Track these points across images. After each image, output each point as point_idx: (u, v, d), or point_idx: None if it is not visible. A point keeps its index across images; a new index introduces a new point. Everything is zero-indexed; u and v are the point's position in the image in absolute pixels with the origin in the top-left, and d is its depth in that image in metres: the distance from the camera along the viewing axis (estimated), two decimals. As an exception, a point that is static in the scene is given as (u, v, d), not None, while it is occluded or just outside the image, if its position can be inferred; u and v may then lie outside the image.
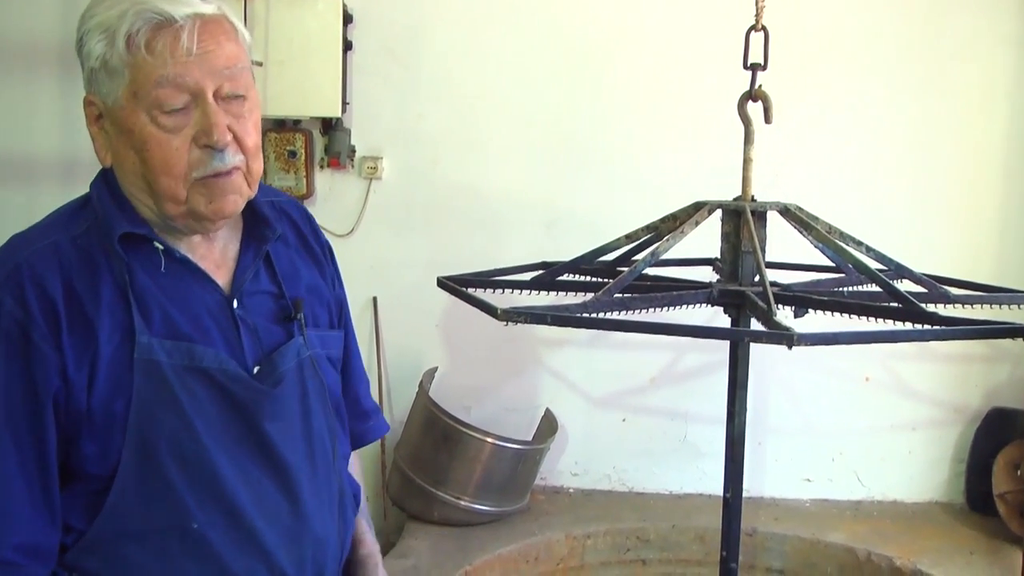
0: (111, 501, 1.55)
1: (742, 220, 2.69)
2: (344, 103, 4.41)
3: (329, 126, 4.51)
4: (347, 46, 4.42)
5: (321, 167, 4.55)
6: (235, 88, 1.58)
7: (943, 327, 2.28)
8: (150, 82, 1.52)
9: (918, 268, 2.75)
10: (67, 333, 1.52)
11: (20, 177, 4.61)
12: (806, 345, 2.05)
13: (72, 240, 1.58)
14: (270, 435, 1.66)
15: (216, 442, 1.60)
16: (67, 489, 1.57)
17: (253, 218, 1.76)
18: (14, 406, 1.51)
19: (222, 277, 1.69)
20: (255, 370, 1.66)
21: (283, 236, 1.81)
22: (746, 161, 2.82)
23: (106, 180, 1.66)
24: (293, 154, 4.45)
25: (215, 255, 1.71)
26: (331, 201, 4.56)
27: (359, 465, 2.10)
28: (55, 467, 1.55)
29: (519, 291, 2.96)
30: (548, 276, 2.96)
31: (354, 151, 4.54)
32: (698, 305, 2.71)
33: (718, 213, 2.78)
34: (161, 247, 1.62)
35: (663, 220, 2.83)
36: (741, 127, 2.84)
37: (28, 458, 1.52)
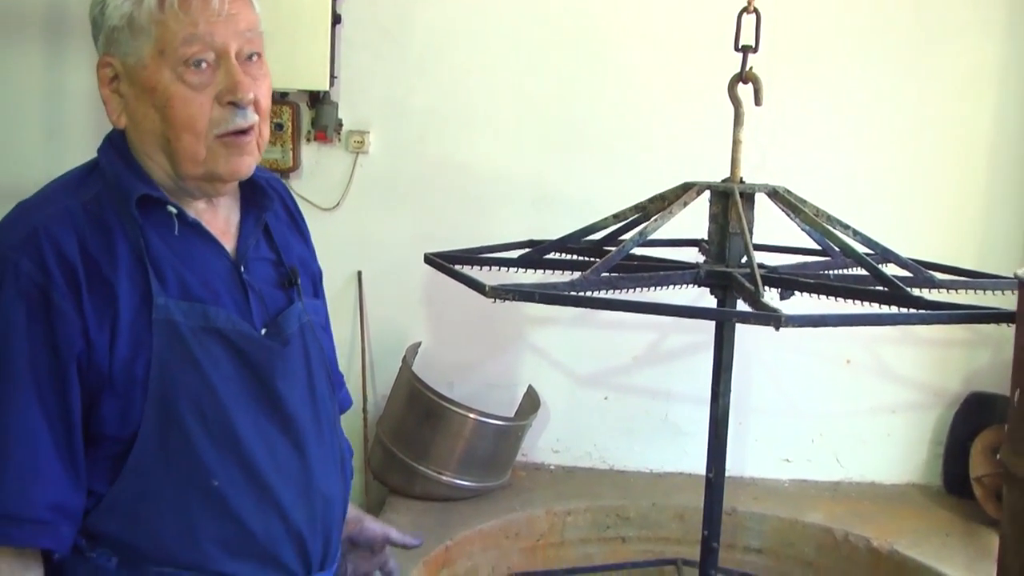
0: (132, 461, 1.57)
1: (730, 202, 2.71)
2: (332, 76, 4.39)
3: (316, 99, 4.49)
4: (336, 19, 4.39)
5: (308, 140, 4.53)
6: (252, 47, 1.63)
7: (929, 311, 2.30)
8: (178, 39, 1.55)
9: (905, 252, 2.78)
10: (87, 295, 1.53)
11: (4, 145, 4.58)
12: (793, 326, 2.07)
13: (83, 205, 1.59)
14: (282, 393, 1.69)
15: (234, 400, 1.63)
16: (88, 452, 1.59)
17: (250, 188, 1.79)
18: (39, 368, 1.52)
19: (228, 243, 1.72)
20: (262, 331, 1.70)
21: (275, 208, 1.85)
22: (735, 143, 2.83)
23: (114, 145, 1.67)
24: (279, 127, 4.43)
25: (219, 222, 1.73)
26: (317, 175, 4.54)
27: None
28: (80, 428, 1.56)
29: (506, 268, 2.97)
30: (536, 254, 2.97)
31: (341, 124, 4.52)
32: (685, 285, 2.73)
33: (706, 194, 2.79)
34: (175, 211, 1.64)
35: (651, 200, 2.85)
36: (731, 108, 2.85)
37: (55, 419, 1.54)
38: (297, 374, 1.74)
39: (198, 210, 1.70)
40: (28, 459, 1.52)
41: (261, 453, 1.65)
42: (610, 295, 2.55)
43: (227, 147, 1.62)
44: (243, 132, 1.62)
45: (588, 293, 2.48)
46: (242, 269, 1.71)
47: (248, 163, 1.67)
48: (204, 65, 1.57)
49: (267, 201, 1.79)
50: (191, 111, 1.58)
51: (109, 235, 1.58)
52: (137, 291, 1.57)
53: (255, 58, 1.65)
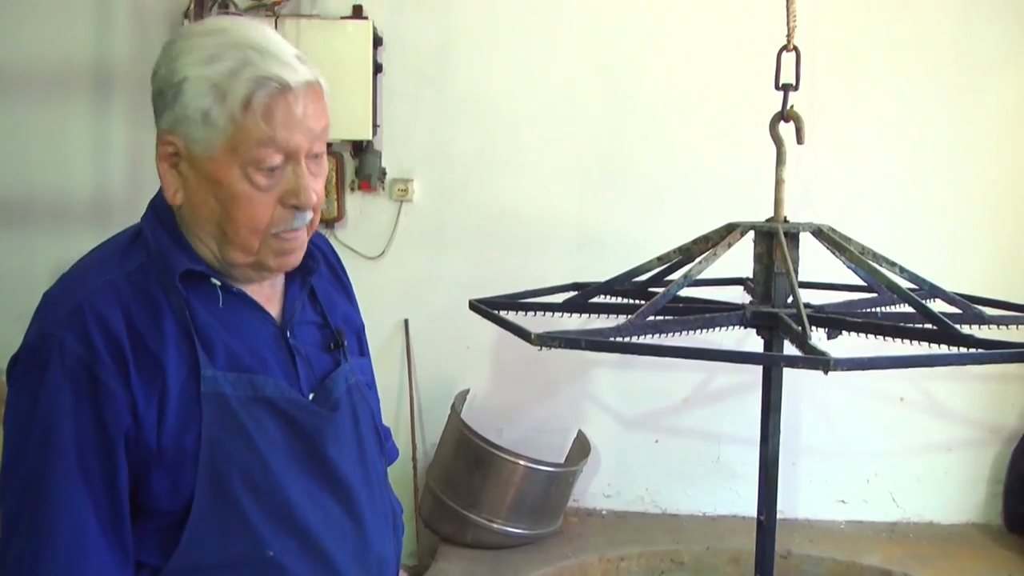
0: (187, 536, 1.56)
1: (775, 241, 2.69)
2: (375, 125, 4.43)
3: (360, 149, 4.52)
4: (377, 68, 4.44)
5: (352, 190, 4.56)
6: (320, 148, 1.62)
7: (979, 351, 2.26)
8: (253, 141, 1.52)
9: (952, 287, 2.74)
10: (134, 370, 1.52)
11: (52, 205, 4.65)
12: (842, 370, 2.04)
13: (127, 276, 1.58)
14: (333, 458, 1.69)
15: (284, 469, 1.63)
16: (137, 526, 1.57)
17: None
18: (85, 448, 1.51)
19: (273, 309, 1.73)
20: (310, 397, 1.70)
21: (319, 269, 1.84)
22: (778, 182, 2.81)
23: (159, 216, 1.66)
24: (324, 177, 4.46)
25: (265, 289, 1.73)
26: (362, 224, 4.57)
27: None
28: (127, 506, 1.55)
29: (552, 313, 2.96)
30: (581, 298, 2.96)
31: (385, 173, 4.55)
32: (731, 327, 2.71)
33: (750, 234, 2.77)
34: (218, 283, 1.64)
35: (695, 242, 2.83)
36: (773, 147, 2.83)
37: (100, 498, 1.52)
38: (347, 437, 1.74)
39: (244, 279, 1.70)
40: (73, 540, 1.51)
41: (315, 520, 1.65)
42: (656, 339, 2.53)
43: (280, 242, 1.62)
44: (295, 230, 1.63)
45: (634, 338, 2.46)
46: (288, 334, 1.71)
47: (296, 257, 1.67)
48: (274, 167, 1.56)
49: (313, 264, 1.78)
50: (254, 211, 1.57)
51: (155, 307, 1.57)
52: (185, 364, 1.56)
53: (319, 156, 1.62)
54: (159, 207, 1.67)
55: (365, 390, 1.84)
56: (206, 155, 1.54)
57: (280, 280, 1.76)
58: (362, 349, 1.95)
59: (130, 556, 1.56)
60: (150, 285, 1.58)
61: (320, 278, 1.85)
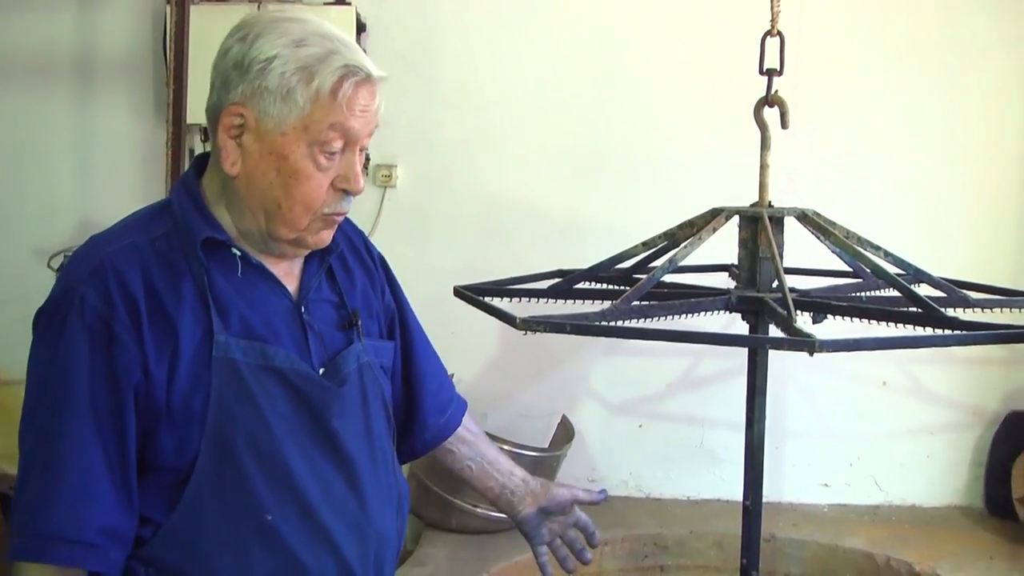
0: (189, 494, 1.63)
1: (760, 226, 2.69)
2: (358, 111, 4.41)
3: (343, 134, 4.51)
4: (360, 54, 4.42)
5: (335, 176, 4.55)
6: (368, 141, 1.73)
7: (964, 332, 2.27)
8: (326, 123, 1.63)
9: (937, 271, 2.75)
10: (148, 328, 1.60)
11: (36, 185, 4.63)
12: (828, 351, 2.04)
13: (151, 242, 1.67)
14: (338, 432, 1.75)
15: (289, 437, 1.69)
16: (144, 481, 1.65)
17: None
18: (98, 397, 1.59)
19: (291, 284, 1.79)
20: (320, 371, 1.75)
21: (340, 251, 1.92)
22: (763, 167, 2.81)
23: (187, 189, 1.75)
24: (307, 163, 4.45)
25: (283, 265, 1.79)
26: (345, 209, 4.54)
27: (482, 431, 2.29)
28: (134, 457, 1.63)
29: (536, 299, 2.96)
30: (565, 284, 2.95)
31: (368, 159, 4.54)
32: (716, 312, 2.71)
33: (735, 219, 2.78)
34: (238, 252, 1.71)
35: (680, 227, 2.83)
36: (758, 132, 2.83)
37: (110, 447, 1.60)
38: (354, 413, 1.80)
39: (264, 254, 1.77)
40: (82, 484, 1.59)
41: (315, 490, 1.70)
42: (642, 323, 2.53)
43: (323, 223, 1.72)
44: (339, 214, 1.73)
45: (619, 322, 2.47)
46: (303, 310, 1.77)
47: (331, 235, 1.77)
48: (336, 151, 1.66)
49: (332, 245, 1.83)
50: (312, 190, 1.66)
51: (175, 271, 1.65)
52: (199, 327, 1.64)
53: (364, 149, 1.73)
54: (188, 183, 1.76)
55: (378, 371, 1.88)
56: (277, 130, 1.64)
57: (299, 259, 1.83)
58: (383, 332, 1.99)
59: (135, 507, 1.64)
60: (172, 251, 1.67)
61: (341, 260, 1.92)
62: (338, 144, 1.65)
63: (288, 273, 1.79)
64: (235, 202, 1.72)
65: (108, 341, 1.58)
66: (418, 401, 2.09)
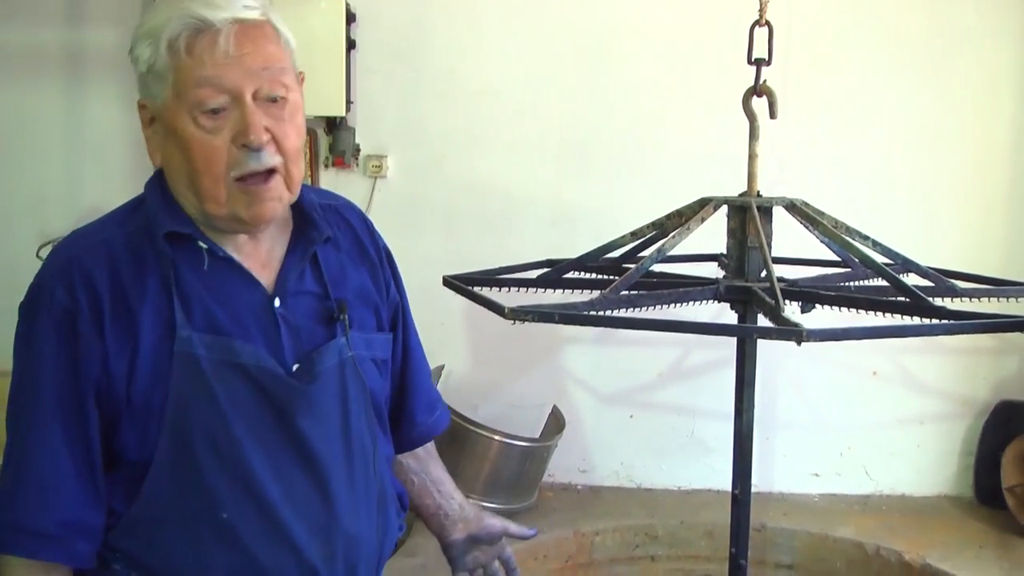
0: (147, 486, 1.62)
1: (748, 216, 2.69)
2: (348, 102, 4.41)
3: (333, 125, 4.51)
4: (350, 45, 4.42)
5: (326, 166, 4.55)
6: (273, 89, 1.62)
7: (951, 321, 2.27)
8: (190, 82, 1.57)
9: (925, 261, 2.75)
10: (110, 324, 1.59)
11: (27, 175, 4.63)
12: (815, 341, 2.04)
13: (126, 237, 1.66)
14: (303, 431, 1.69)
15: (249, 436, 1.65)
16: (110, 473, 1.65)
17: (303, 220, 1.79)
18: (63, 392, 1.60)
19: (266, 276, 1.73)
20: (295, 367, 1.70)
21: (334, 239, 1.84)
22: (751, 156, 2.81)
23: (159, 181, 1.72)
24: (298, 153, 4.44)
25: (261, 255, 1.74)
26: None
27: (435, 450, 2.21)
28: (99, 450, 1.63)
29: (526, 289, 2.96)
30: (554, 274, 2.95)
31: (359, 150, 4.54)
32: (705, 301, 2.71)
33: (724, 209, 2.78)
34: (204, 246, 1.67)
35: (669, 217, 2.82)
36: (747, 122, 2.83)
37: (75, 441, 1.61)
38: (326, 411, 1.74)
39: (238, 242, 1.71)
40: (45, 476, 1.60)
41: (276, 490, 1.67)
42: (630, 313, 2.53)
43: (247, 194, 1.63)
44: (264, 179, 1.63)
45: (608, 312, 2.46)
46: (276, 303, 1.71)
47: (272, 207, 1.66)
48: (216, 108, 1.58)
49: (316, 234, 1.78)
50: (206, 154, 1.59)
51: (142, 266, 1.63)
52: (161, 323, 1.61)
53: (279, 100, 1.63)
54: (161, 173, 1.72)
55: (365, 366, 1.81)
56: (163, 106, 1.61)
57: (280, 248, 1.77)
58: (382, 325, 1.93)
59: (102, 498, 1.65)
60: (143, 245, 1.65)
61: (335, 250, 1.85)
62: (217, 100, 1.58)
63: (265, 265, 1.74)
64: (175, 191, 1.68)
65: (72, 336, 1.59)
66: (410, 398, 2.06)
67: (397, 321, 2.00)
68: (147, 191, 1.72)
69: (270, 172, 1.63)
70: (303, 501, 1.70)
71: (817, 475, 4.63)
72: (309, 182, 4.46)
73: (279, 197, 1.66)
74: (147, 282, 1.62)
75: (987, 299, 2.77)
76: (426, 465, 2.16)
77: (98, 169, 4.54)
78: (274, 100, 1.62)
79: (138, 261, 1.63)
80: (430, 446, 2.18)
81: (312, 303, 1.77)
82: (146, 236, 1.65)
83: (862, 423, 4.59)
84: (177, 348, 1.60)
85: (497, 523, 2.16)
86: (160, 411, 1.60)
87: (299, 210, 1.78)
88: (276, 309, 1.71)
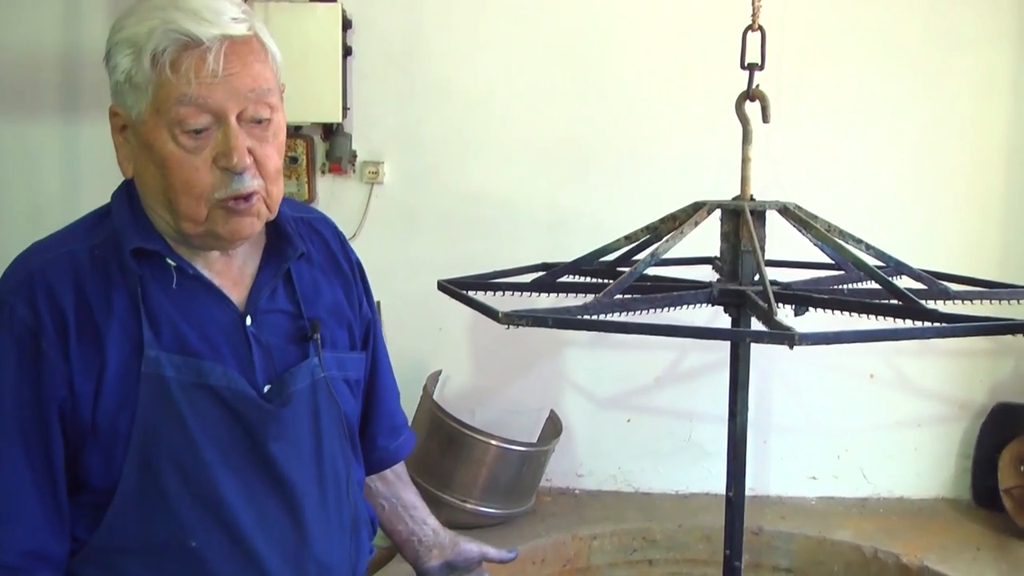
0: (110, 514, 1.55)
1: (741, 220, 2.70)
2: (344, 108, 4.42)
3: (330, 131, 4.51)
4: (347, 52, 4.43)
5: (322, 172, 4.56)
6: (258, 111, 1.55)
7: (944, 324, 2.28)
8: (172, 100, 1.49)
9: (920, 264, 2.76)
10: (75, 343, 1.51)
11: (23, 187, 4.63)
12: (808, 345, 2.05)
13: (90, 250, 1.58)
14: (275, 455, 1.63)
15: (219, 460, 1.58)
16: (72, 499, 1.57)
17: (276, 235, 1.73)
18: (25, 414, 1.51)
19: (238, 294, 1.66)
20: (266, 389, 1.63)
21: (307, 255, 1.77)
22: (744, 160, 2.83)
23: (128, 191, 1.64)
24: (294, 160, 4.46)
25: (232, 272, 1.68)
26: (333, 206, 4.55)
27: (406, 474, 2.12)
28: (63, 476, 1.55)
29: (520, 293, 2.97)
30: (549, 278, 2.96)
31: (355, 156, 4.55)
32: (699, 305, 2.72)
33: (717, 212, 2.79)
34: (173, 264, 1.60)
35: (663, 220, 2.84)
36: (740, 126, 2.84)
37: (38, 466, 1.52)
38: (298, 434, 1.67)
39: (209, 259, 1.65)
40: (6, 504, 1.52)
41: (247, 516, 1.60)
42: (625, 317, 2.54)
43: (227, 212, 1.55)
44: (245, 199, 1.55)
45: (602, 316, 2.47)
46: (248, 322, 1.64)
47: (250, 224, 1.59)
48: (199, 128, 1.51)
49: (290, 250, 1.71)
50: (186, 175, 1.52)
51: (108, 283, 1.56)
52: (129, 342, 1.54)
53: (264, 121, 1.57)
54: (130, 183, 1.64)
55: (337, 387, 1.75)
56: (139, 119, 1.53)
57: (252, 264, 1.70)
58: (354, 343, 1.86)
59: (66, 525, 1.57)
60: (109, 260, 1.57)
61: (308, 265, 1.78)
62: (200, 120, 1.50)
63: (237, 282, 1.67)
64: (146, 205, 1.61)
65: (35, 355, 1.50)
66: (374, 420, 1.97)
67: (368, 339, 1.93)
68: (114, 202, 1.65)
69: (251, 193, 1.56)
70: (275, 528, 1.64)
71: (814, 478, 4.63)
72: (306, 188, 4.48)
73: (257, 214, 1.59)
74: (113, 299, 1.54)
75: (980, 301, 2.78)
76: (396, 489, 2.07)
77: (94, 181, 4.52)
78: (259, 122, 1.56)
79: (103, 276, 1.55)
80: (400, 469, 2.09)
81: (284, 321, 1.71)
82: (112, 250, 1.57)
83: (859, 426, 4.59)
84: (145, 369, 1.53)
85: (474, 548, 2.07)
86: (126, 434, 1.53)
87: (273, 225, 1.70)
88: (247, 328, 1.64)
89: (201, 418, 1.57)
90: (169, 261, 1.60)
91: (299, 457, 1.67)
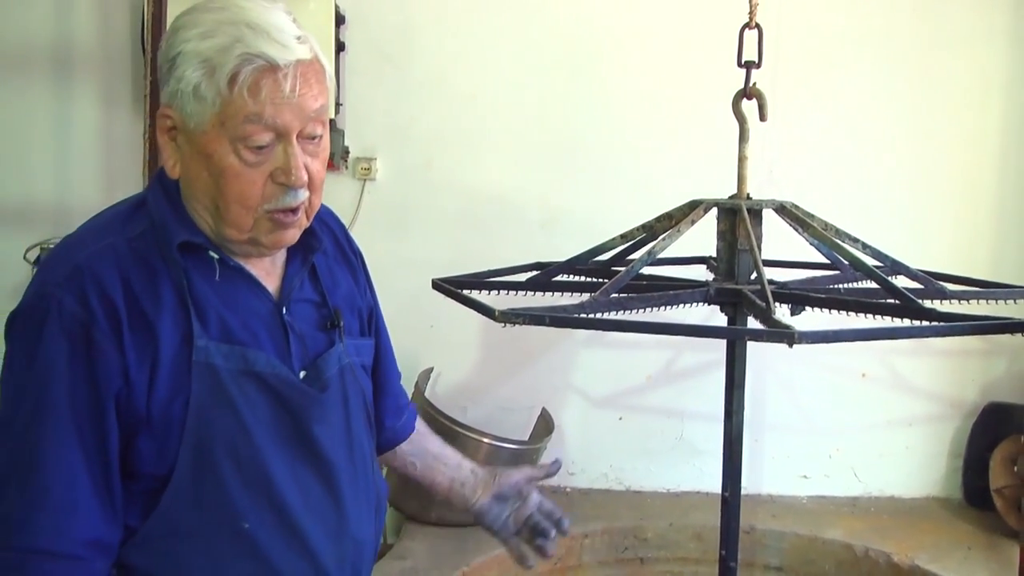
0: (165, 500, 1.60)
1: (738, 218, 2.69)
2: (337, 104, 4.40)
3: (322, 127, 4.49)
4: (339, 47, 4.41)
5: (315, 168, 4.54)
6: (315, 129, 1.62)
7: (941, 323, 2.28)
8: (240, 117, 1.54)
9: (915, 263, 2.76)
10: (128, 333, 1.56)
11: (13, 176, 4.60)
12: (807, 343, 2.05)
13: (128, 242, 1.62)
14: (318, 437, 1.71)
15: (268, 444, 1.65)
16: (125, 487, 1.61)
17: None
18: (79, 405, 1.55)
19: (271, 284, 1.74)
20: (301, 375, 1.72)
21: (323, 247, 1.85)
22: (741, 159, 2.82)
23: (163, 186, 1.69)
24: (287, 155, 4.43)
25: (264, 263, 1.74)
26: (325, 202, 4.50)
27: (424, 425, 2.20)
28: (117, 465, 1.59)
29: (514, 292, 2.95)
30: (544, 277, 2.95)
31: (347, 152, 4.53)
32: (695, 304, 2.71)
33: (714, 211, 2.78)
34: (216, 256, 1.67)
35: (659, 219, 2.83)
36: (736, 125, 2.83)
37: (93, 456, 1.56)
38: (334, 418, 1.76)
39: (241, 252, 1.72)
40: (66, 495, 1.55)
41: (294, 496, 1.68)
42: (620, 316, 2.53)
43: (273, 222, 1.63)
44: (293, 212, 1.63)
45: (598, 314, 2.46)
46: (284, 311, 1.72)
47: (292, 235, 1.68)
48: (262, 145, 1.57)
49: (315, 242, 1.79)
50: (243, 187, 1.58)
51: (153, 275, 1.60)
52: (179, 332, 1.59)
53: (317, 138, 1.64)
54: (165, 179, 1.69)
55: (358, 372, 1.85)
56: (199, 129, 1.57)
57: (281, 256, 1.78)
58: (364, 329, 1.95)
59: (120, 514, 1.61)
60: (150, 253, 1.62)
61: (324, 256, 1.86)
62: (264, 137, 1.56)
63: (269, 272, 1.74)
64: (188, 204, 1.67)
65: (88, 348, 1.54)
66: (380, 401, 2.04)
67: (371, 324, 2.00)
68: (151, 198, 1.69)
69: (298, 206, 1.64)
70: (319, 507, 1.72)
71: (806, 477, 4.63)
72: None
73: (299, 225, 1.68)
74: (161, 290, 1.59)
75: (976, 301, 2.78)
76: (421, 445, 2.14)
77: (85, 171, 4.50)
78: (313, 138, 1.63)
79: (147, 268, 1.60)
80: (420, 425, 2.17)
81: (311, 311, 1.79)
82: (153, 243, 1.62)
83: (851, 425, 4.59)
84: (196, 358, 1.59)
85: (516, 474, 2.14)
86: (180, 422, 1.58)
87: None
88: (284, 317, 1.72)
89: (250, 404, 1.64)
90: (212, 254, 1.66)
91: (336, 439, 1.76)
